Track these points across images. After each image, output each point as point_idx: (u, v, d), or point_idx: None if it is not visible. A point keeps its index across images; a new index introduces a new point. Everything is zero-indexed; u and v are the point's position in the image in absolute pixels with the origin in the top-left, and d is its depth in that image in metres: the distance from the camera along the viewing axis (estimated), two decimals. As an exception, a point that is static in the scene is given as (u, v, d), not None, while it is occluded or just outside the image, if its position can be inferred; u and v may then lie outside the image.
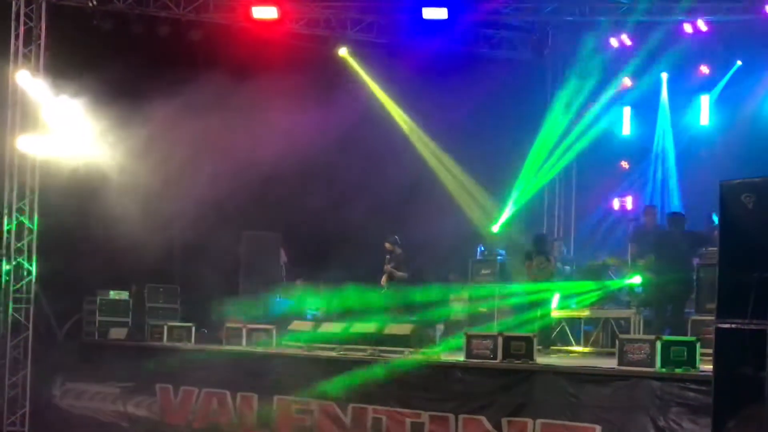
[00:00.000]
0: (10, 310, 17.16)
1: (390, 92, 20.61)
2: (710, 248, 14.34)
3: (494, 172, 20.26)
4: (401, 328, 15.22)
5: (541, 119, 20.44)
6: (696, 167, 19.10)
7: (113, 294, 19.13)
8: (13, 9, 17.49)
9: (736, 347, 8.74)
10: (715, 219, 10.68)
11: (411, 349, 14.36)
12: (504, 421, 12.14)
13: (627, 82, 20.10)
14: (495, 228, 20.45)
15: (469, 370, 12.89)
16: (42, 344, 17.66)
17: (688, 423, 10.46)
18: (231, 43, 18.55)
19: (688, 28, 18.47)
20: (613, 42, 19.46)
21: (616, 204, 20.86)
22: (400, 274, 17.66)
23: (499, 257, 18.77)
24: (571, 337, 16.45)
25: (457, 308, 17.79)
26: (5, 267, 17.28)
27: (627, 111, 20.89)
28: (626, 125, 20.98)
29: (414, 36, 19.24)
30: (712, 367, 9.22)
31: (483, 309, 17.51)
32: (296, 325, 16.70)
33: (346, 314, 17.15)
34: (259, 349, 15.98)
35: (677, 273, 14.80)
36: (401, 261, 17.73)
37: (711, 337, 9.36)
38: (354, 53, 20.31)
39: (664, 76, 20.22)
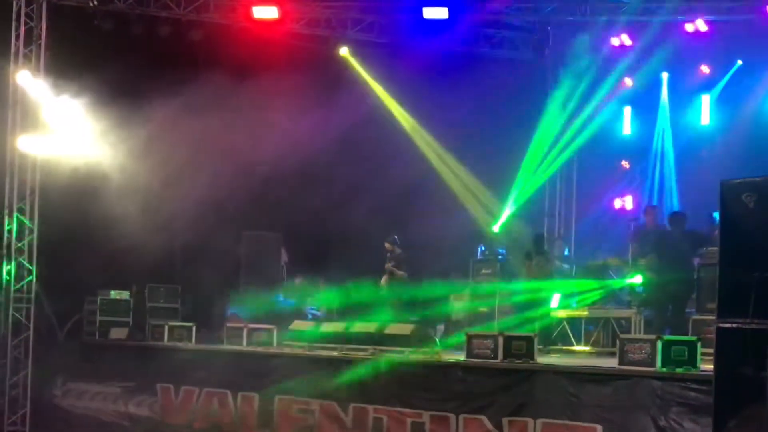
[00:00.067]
0: (11, 310, 17.17)
1: (390, 92, 20.59)
2: (711, 248, 14.32)
3: (495, 172, 20.23)
4: (402, 327, 15.23)
5: (541, 118, 20.43)
6: (696, 167, 19.05)
7: (114, 294, 19.10)
8: (14, 9, 17.51)
9: (737, 347, 8.72)
10: (716, 217, 10.66)
11: (411, 349, 14.37)
12: (505, 420, 12.16)
13: (627, 81, 20.06)
14: (495, 227, 20.44)
15: (470, 370, 12.90)
16: (43, 344, 17.67)
17: (688, 423, 10.49)
18: (231, 43, 18.53)
19: (688, 27, 18.45)
20: (614, 41, 19.43)
21: (617, 203, 20.85)
22: (400, 273, 17.66)
23: (499, 257, 18.79)
24: (572, 337, 16.45)
25: (458, 308, 17.80)
26: (6, 267, 17.28)
27: (627, 110, 20.84)
28: (627, 125, 20.94)
29: (415, 36, 19.21)
30: (712, 366, 9.20)
31: (483, 309, 17.52)
32: (297, 324, 16.72)
33: (346, 311, 17.16)
34: (260, 349, 15.99)
35: (678, 273, 14.79)
36: (401, 260, 17.73)
37: (712, 336, 9.33)
38: (354, 53, 20.30)
39: (665, 75, 20.21)
